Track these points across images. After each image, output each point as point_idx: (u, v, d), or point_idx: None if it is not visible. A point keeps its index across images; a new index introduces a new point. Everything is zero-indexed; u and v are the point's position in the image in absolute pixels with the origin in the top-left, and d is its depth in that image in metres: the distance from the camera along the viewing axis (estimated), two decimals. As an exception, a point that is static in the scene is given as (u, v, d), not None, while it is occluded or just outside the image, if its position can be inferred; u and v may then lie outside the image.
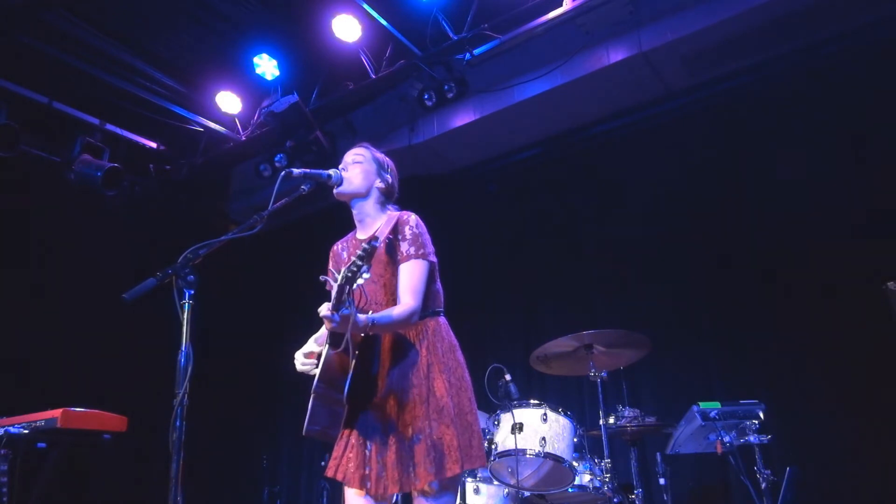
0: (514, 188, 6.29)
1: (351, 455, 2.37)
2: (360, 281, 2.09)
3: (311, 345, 2.57)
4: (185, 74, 5.97)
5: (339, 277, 2.10)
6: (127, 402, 4.10)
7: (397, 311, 2.35)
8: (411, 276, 2.42)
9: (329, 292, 2.20)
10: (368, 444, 2.36)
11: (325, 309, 2.16)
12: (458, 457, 2.27)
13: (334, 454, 2.43)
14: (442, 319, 2.54)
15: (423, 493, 2.31)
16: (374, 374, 2.41)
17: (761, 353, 4.65)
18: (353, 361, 2.28)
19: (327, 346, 2.34)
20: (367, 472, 2.33)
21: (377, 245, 2.10)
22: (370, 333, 2.35)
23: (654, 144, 5.57)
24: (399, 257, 2.46)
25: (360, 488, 2.34)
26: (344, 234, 2.78)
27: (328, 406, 2.31)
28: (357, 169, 2.62)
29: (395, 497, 3.66)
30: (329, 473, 2.41)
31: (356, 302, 2.22)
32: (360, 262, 2.06)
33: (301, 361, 2.50)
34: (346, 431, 2.41)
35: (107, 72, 5.57)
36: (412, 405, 2.34)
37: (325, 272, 2.73)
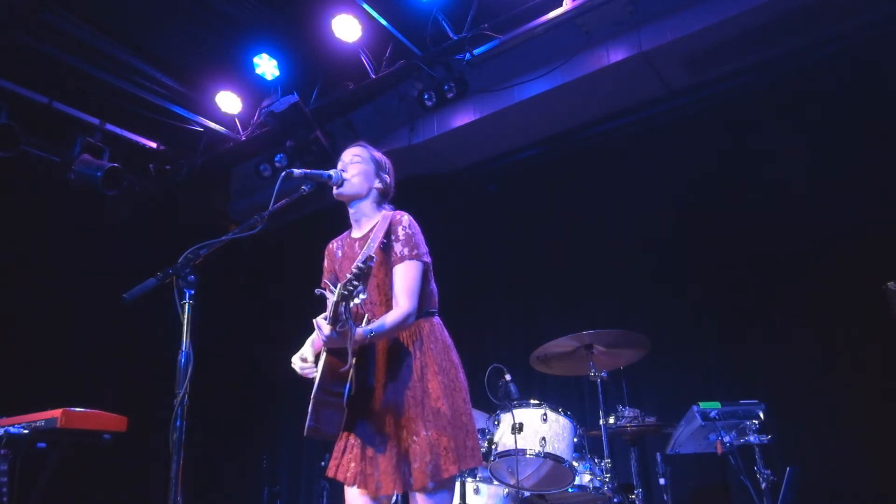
0: (514, 188, 6.28)
1: (351, 455, 2.39)
2: (356, 301, 2.10)
3: (308, 348, 2.57)
4: (184, 74, 5.96)
5: (336, 294, 2.11)
6: (127, 402, 4.10)
7: (393, 316, 2.36)
8: (406, 278, 2.42)
9: (325, 301, 2.21)
10: (367, 445, 2.37)
11: (324, 326, 2.19)
12: (454, 458, 2.28)
13: (334, 454, 2.45)
14: (436, 320, 2.54)
15: (421, 490, 2.31)
16: (370, 378, 2.42)
17: (761, 353, 4.65)
18: (351, 371, 2.29)
19: (325, 352, 2.35)
20: (366, 472, 2.34)
21: (372, 266, 2.12)
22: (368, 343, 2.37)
23: (654, 144, 5.57)
24: (393, 258, 2.46)
25: (361, 488, 2.36)
26: (342, 233, 2.78)
27: (328, 408, 2.33)
28: (356, 169, 2.62)
29: (394, 497, 3.69)
30: (330, 474, 2.43)
31: (353, 315, 2.23)
32: (356, 283, 2.08)
33: (299, 366, 2.51)
34: (346, 433, 2.42)
35: (107, 72, 5.56)
36: (407, 407, 2.35)
37: (323, 273, 2.74)
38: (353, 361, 2.28)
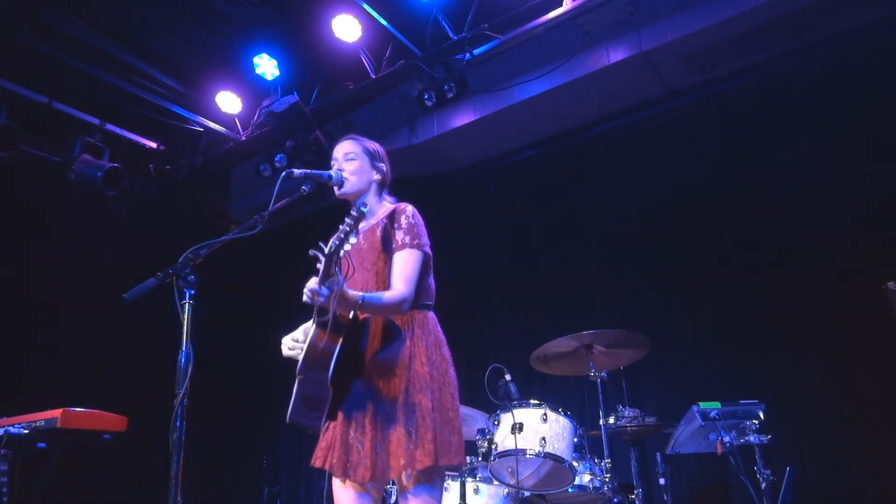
0: (514, 188, 6.29)
1: (336, 444, 2.36)
2: (347, 247, 2.08)
3: (300, 331, 2.56)
4: (185, 74, 5.97)
5: (327, 248, 2.10)
6: (127, 402, 4.09)
7: (388, 295, 2.35)
8: (405, 265, 2.42)
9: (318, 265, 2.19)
10: (351, 432, 2.34)
11: (312, 283, 2.16)
12: (430, 449, 2.23)
13: (320, 444, 2.42)
14: (430, 314, 2.52)
15: (402, 488, 2.31)
16: (358, 359, 2.40)
17: (761, 353, 4.65)
18: (341, 339, 2.27)
19: (313, 327, 2.32)
20: (349, 460, 2.32)
21: (364, 211, 2.13)
22: (358, 312, 2.36)
23: (654, 144, 5.57)
24: (393, 246, 2.46)
25: (343, 476, 2.34)
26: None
27: (312, 390, 2.30)
28: (353, 166, 2.63)
29: (393, 498, 3.69)
30: (317, 464, 2.40)
31: (343, 272, 2.21)
32: (347, 229, 2.07)
33: (288, 346, 2.51)
34: (331, 421, 2.40)
35: (107, 72, 5.57)
36: (391, 394, 2.33)
37: None
38: (343, 334, 2.25)
